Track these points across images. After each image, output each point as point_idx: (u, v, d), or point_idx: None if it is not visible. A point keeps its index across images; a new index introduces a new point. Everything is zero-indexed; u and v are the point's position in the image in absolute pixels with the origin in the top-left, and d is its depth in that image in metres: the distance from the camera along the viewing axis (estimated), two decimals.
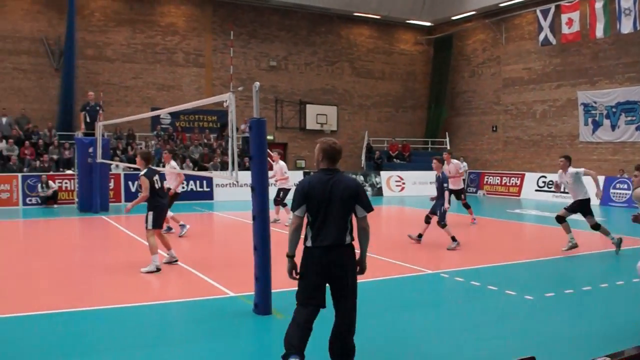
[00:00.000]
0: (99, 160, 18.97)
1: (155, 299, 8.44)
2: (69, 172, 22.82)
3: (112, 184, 21.95)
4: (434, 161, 12.93)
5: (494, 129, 31.35)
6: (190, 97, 27.84)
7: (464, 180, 21.24)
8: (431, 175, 16.65)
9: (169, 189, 13.14)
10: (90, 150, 19.53)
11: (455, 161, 17.21)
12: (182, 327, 7.10)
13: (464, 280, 9.51)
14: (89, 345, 6.40)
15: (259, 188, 7.44)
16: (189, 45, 28.95)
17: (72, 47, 25.62)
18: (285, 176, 16.69)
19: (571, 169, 12.12)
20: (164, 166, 15.78)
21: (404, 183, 28.70)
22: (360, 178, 27.62)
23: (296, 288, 5.34)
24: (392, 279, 9.69)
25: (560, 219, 12.21)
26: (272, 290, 7.44)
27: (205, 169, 24.60)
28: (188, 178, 23.05)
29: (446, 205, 12.53)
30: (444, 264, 11.09)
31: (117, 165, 22.61)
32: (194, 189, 24.07)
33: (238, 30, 29.69)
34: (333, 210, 5.12)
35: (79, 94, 25.38)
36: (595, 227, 12.11)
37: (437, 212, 12.71)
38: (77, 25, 25.92)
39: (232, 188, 23.26)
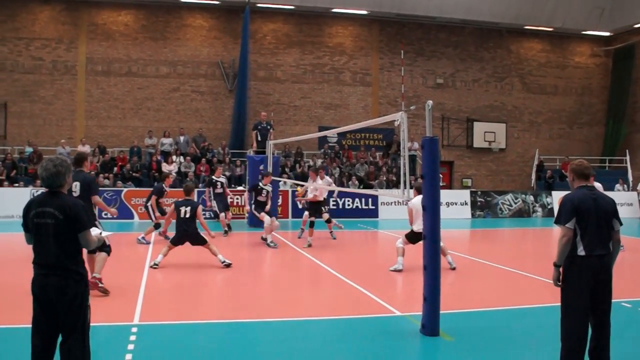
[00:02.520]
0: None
1: (319, 315, 8.55)
2: (240, 188, 23.85)
3: (280, 200, 22.54)
4: None
5: None
6: (356, 116, 28.53)
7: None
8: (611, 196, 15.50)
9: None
10: (261, 167, 20.04)
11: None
12: (348, 344, 7.10)
13: None
14: (253, 356, 6.60)
15: (431, 207, 7.39)
16: (356, 65, 29.56)
17: (245, 69, 27.10)
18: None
19: None
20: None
21: None
22: (530, 198, 26.57)
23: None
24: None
25: None
26: (441, 312, 7.32)
27: (371, 187, 24.77)
28: (353, 196, 23.34)
29: None
30: None
31: (285, 182, 23.35)
32: (359, 207, 24.20)
33: (404, 48, 29.82)
34: (601, 223, 5.55)
35: (251, 114, 26.84)
36: None
37: None
38: (250, 48, 27.46)
39: (397, 206, 23.14)
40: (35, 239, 4.76)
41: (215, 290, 10.69)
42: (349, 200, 23.24)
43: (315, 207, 16.03)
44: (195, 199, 12.91)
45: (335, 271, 11.71)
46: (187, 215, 11.95)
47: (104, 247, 9.28)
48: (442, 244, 11.81)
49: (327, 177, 16.85)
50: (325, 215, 16.21)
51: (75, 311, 4.72)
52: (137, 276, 10.91)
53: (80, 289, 4.79)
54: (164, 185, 16.46)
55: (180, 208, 11.98)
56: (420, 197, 11.71)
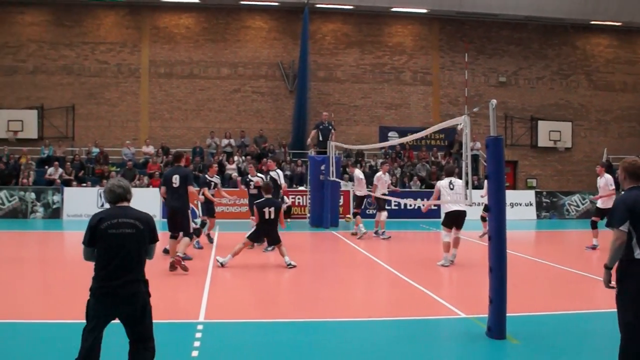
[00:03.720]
0: (331, 178, 19.71)
1: (382, 315, 8.57)
2: (301, 188, 23.98)
3: (341, 200, 22.65)
4: None
5: None
6: (417, 115, 28.59)
7: None
8: None
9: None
10: (322, 167, 20.25)
11: (607, 176, 15.77)
12: (412, 346, 7.07)
13: None
14: (317, 356, 6.69)
15: (496, 208, 7.32)
16: (416, 64, 29.40)
17: (305, 70, 27.21)
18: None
19: None
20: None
21: None
22: None
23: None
24: None
25: None
26: (507, 314, 7.22)
27: (433, 187, 24.36)
28: (416, 196, 23.19)
29: None
30: None
31: (346, 184, 23.31)
32: (421, 207, 23.76)
33: (465, 46, 29.51)
34: None
35: (312, 114, 26.87)
36: None
37: None
38: (310, 49, 27.57)
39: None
40: (107, 250, 4.91)
41: (278, 289, 10.81)
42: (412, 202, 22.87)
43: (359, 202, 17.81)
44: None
45: (397, 271, 11.70)
46: (272, 217, 11.91)
47: (189, 233, 11.42)
48: (452, 236, 12.23)
49: (357, 170, 18.08)
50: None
51: (148, 320, 5.01)
52: (201, 274, 11.10)
53: (147, 298, 5.06)
54: (207, 176, 15.25)
55: (264, 209, 11.88)
56: (449, 179, 12.56)
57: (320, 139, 20.74)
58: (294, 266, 11.90)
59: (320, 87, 28.63)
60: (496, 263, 7.27)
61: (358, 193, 17.83)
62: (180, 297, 9.49)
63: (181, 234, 11.67)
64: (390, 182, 17.96)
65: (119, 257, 4.89)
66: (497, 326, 7.21)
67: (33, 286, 10.60)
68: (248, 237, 12.06)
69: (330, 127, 20.86)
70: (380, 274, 11.89)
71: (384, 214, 17.25)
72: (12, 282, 10.67)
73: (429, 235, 19.42)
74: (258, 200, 12.26)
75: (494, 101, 7.32)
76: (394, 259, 13.71)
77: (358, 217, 17.63)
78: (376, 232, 17.03)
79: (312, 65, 27.91)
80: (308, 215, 21.68)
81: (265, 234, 12.17)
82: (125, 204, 5.11)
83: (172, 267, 11.08)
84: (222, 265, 11.78)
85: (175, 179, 11.53)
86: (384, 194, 16.95)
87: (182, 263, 11.07)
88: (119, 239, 4.91)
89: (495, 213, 7.34)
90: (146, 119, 28.05)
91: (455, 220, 12.57)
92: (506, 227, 7.39)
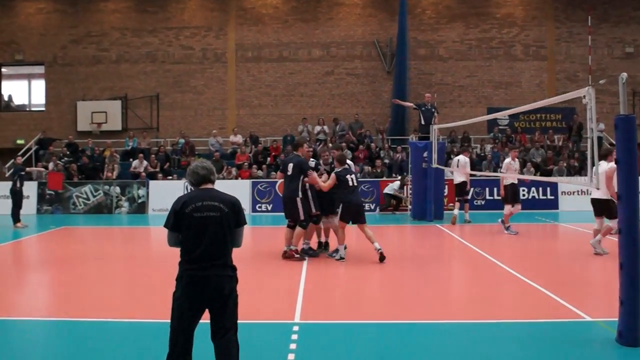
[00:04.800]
0: (434, 165, 19.42)
1: (497, 317, 8.37)
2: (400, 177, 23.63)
3: (446, 190, 21.99)
4: None
5: None
6: (530, 94, 27.74)
7: None
8: None
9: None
10: (425, 154, 19.97)
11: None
12: (532, 351, 6.86)
13: None
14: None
15: (627, 196, 6.98)
16: (528, 37, 28.61)
17: (403, 48, 27.12)
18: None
19: None
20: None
21: None
22: None
23: None
24: None
25: None
26: None
27: (549, 174, 23.94)
28: (529, 185, 22.67)
29: None
30: None
31: (452, 172, 22.91)
32: (536, 197, 23.34)
33: (585, 15, 28.34)
34: None
35: (412, 96, 26.38)
36: None
37: None
38: (409, 25, 27.34)
39: (581, 196, 22.25)
40: (192, 235, 5.05)
41: (376, 288, 10.77)
42: (523, 190, 22.29)
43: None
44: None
45: (511, 269, 11.43)
46: (355, 183, 12.27)
47: (302, 222, 12.21)
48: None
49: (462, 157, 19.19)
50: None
51: (232, 307, 5.13)
52: (295, 272, 11.22)
53: (235, 285, 5.19)
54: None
55: (347, 177, 12.14)
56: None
57: (422, 122, 20.44)
58: (383, 254, 12.02)
59: (421, 66, 28.33)
60: (628, 259, 6.94)
61: (459, 179, 18.78)
62: (275, 296, 9.66)
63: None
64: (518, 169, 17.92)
65: (204, 241, 5.03)
66: (629, 331, 6.91)
67: (119, 284, 10.97)
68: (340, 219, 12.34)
69: (433, 110, 20.49)
70: (491, 272, 11.64)
71: (518, 206, 16.92)
72: (98, 280, 11.11)
73: (545, 228, 18.86)
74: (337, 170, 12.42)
75: (625, 74, 6.93)
76: (508, 254, 13.44)
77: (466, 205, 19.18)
78: (508, 228, 16.51)
79: (411, 42, 27.69)
80: (409, 207, 21.42)
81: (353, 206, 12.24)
82: (209, 185, 5.28)
83: (286, 255, 12.41)
84: (343, 258, 12.36)
85: (289, 167, 12.39)
86: (513, 184, 16.71)
87: (296, 255, 12.39)
88: (205, 222, 5.06)
89: (626, 202, 7.00)
90: (233, 107, 28.64)
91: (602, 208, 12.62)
92: (639, 218, 7.03)
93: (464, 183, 18.94)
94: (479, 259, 12.92)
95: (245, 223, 5.28)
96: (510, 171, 16.80)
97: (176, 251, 5.20)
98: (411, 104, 21.26)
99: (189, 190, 6.06)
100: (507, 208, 16.64)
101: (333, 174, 12.23)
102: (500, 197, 18.19)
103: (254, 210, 22.79)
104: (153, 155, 25.23)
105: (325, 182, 12.22)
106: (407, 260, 12.87)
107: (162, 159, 25.40)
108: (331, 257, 12.60)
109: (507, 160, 17.17)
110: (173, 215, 5.12)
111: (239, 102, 28.60)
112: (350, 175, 12.23)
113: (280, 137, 27.01)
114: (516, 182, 16.83)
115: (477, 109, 27.76)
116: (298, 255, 12.33)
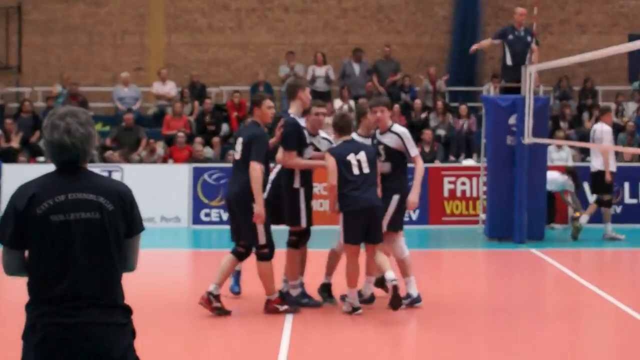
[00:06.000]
0: (528, 139, 15.31)
1: None
2: (467, 163, 18.93)
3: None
4: None
5: None
6: None
7: None
8: None
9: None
10: (512, 120, 15.70)
11: None
12: None
13: None
14: None
15: None
16: None
17: None
18: None
19: None
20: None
21: None
22: None
23: None
24: None
25: None
26: None
27: None
28: None
29: None
30: None
31: (560, 148, 18.73)
32: None
33: None
34: None
35: (488, 19, 21.82)
36: None
37: None
38: None
39: None
40: (49, 253, 3.53)
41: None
42: None
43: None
44: None
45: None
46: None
47: (261, 249, 9.24)
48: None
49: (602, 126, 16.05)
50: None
51: None
52: (273, 335, 8.48)
53: (130, 341, 3.75)
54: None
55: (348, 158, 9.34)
56: None
57: (509, 61, 16.00)
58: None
59: None
60: None
61: (596, 165, 15.60)
62: (254, 342, 8.51)
63: None
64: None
65: (72, 265, 3.59)
66: None
67: None
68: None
69: (530, 39, 16.19)
70: (594, 308, 10.26)
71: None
72: None
73: None
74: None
75: None
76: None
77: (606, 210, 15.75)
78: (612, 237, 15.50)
79: None
80: (482, 216, 16.83)
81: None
82: (79, 165, 3.71)
83: (269, 307, 9.82)
84: (358, 309, 9.30)
85: (238, 145, 9.69)
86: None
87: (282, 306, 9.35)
88: (69, 231, 3.54)
89: None
90: (160, 30, 22.35)
91: None
92: None
93: (601, 174, 15.58)
94: (621, 316, 10.01)
95: (143, 229, 3.80)
96: None
97: (22, 284, 3.76)
98: (489, 41, 17.25)
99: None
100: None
101: (327, 153, 9.46)
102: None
103: (196, 219, 18.49)
104: (9, 120, 20.08)
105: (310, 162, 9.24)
106: (476, 317, 9.72)
107: (27, 125, 20.31)
108: (329, 302, 9.66)
109: None
110: (13, 219, 3.51)
111: (171, 21, 22.22)
112: (357, 153, 9.01)
113: (247, 86, 20.87)
114: None
115: (609, 35, 21.87)
116: (285, 307, 9.07)
